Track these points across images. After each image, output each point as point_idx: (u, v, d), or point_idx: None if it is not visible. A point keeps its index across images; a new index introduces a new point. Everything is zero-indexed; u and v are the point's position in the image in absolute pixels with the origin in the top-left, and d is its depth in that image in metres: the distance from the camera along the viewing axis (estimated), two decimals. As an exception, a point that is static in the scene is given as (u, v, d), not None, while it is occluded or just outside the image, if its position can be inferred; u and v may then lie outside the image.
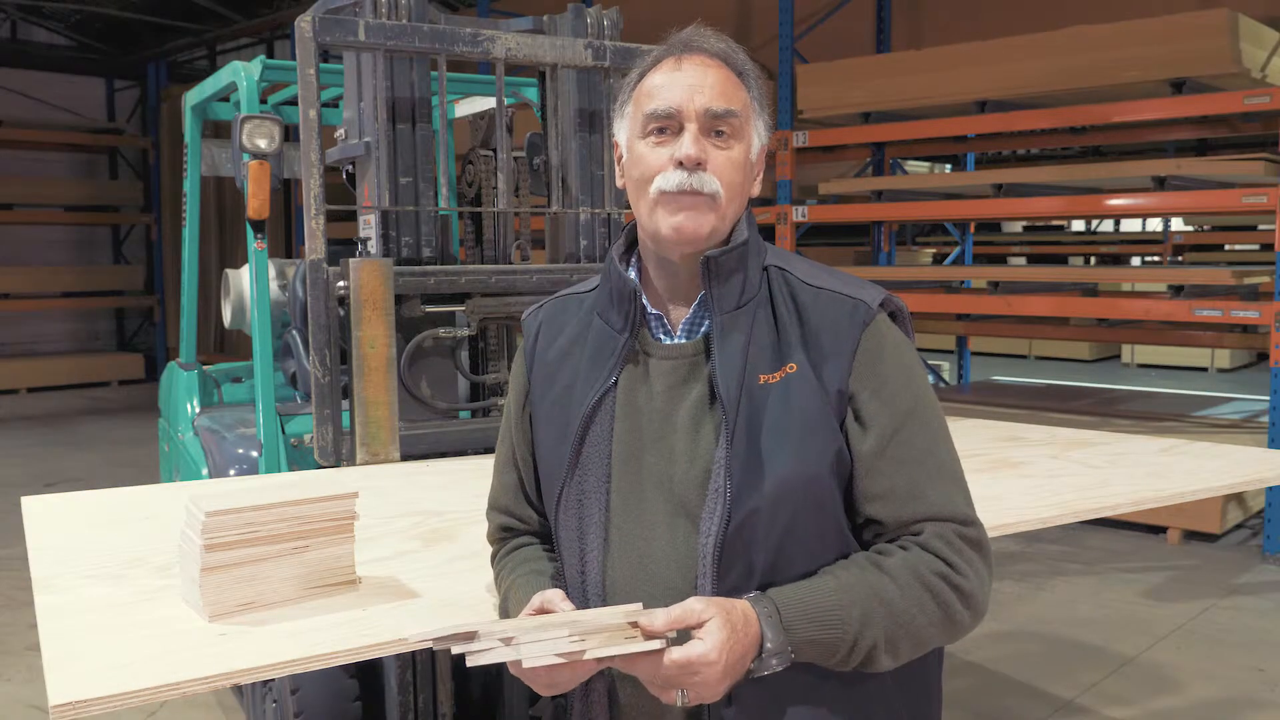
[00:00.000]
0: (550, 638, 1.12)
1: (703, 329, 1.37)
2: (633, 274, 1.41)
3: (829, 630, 1.22)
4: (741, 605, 1.20)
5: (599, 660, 1.16)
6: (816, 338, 1.32)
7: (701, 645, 1.15)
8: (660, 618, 1.16)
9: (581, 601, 1.34)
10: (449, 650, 1.15)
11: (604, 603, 1.32)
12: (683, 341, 1.37)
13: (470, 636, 1.14)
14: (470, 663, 1.13)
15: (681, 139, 1.31)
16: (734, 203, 1.34)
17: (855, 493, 1.31)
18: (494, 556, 1.54)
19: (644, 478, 1.34)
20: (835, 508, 1.30)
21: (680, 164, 1.30)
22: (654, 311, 1.39)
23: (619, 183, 1.42)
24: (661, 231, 1.32)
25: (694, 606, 1.17)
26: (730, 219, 1.34)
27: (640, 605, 1.20)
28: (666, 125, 1.32)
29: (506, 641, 1.13)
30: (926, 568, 1.26)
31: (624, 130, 1.40)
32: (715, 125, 1.31)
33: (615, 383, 1.37)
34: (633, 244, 1.43)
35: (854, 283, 1.37)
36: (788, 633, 1.21)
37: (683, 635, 1.16)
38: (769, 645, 1.20)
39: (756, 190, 1.41)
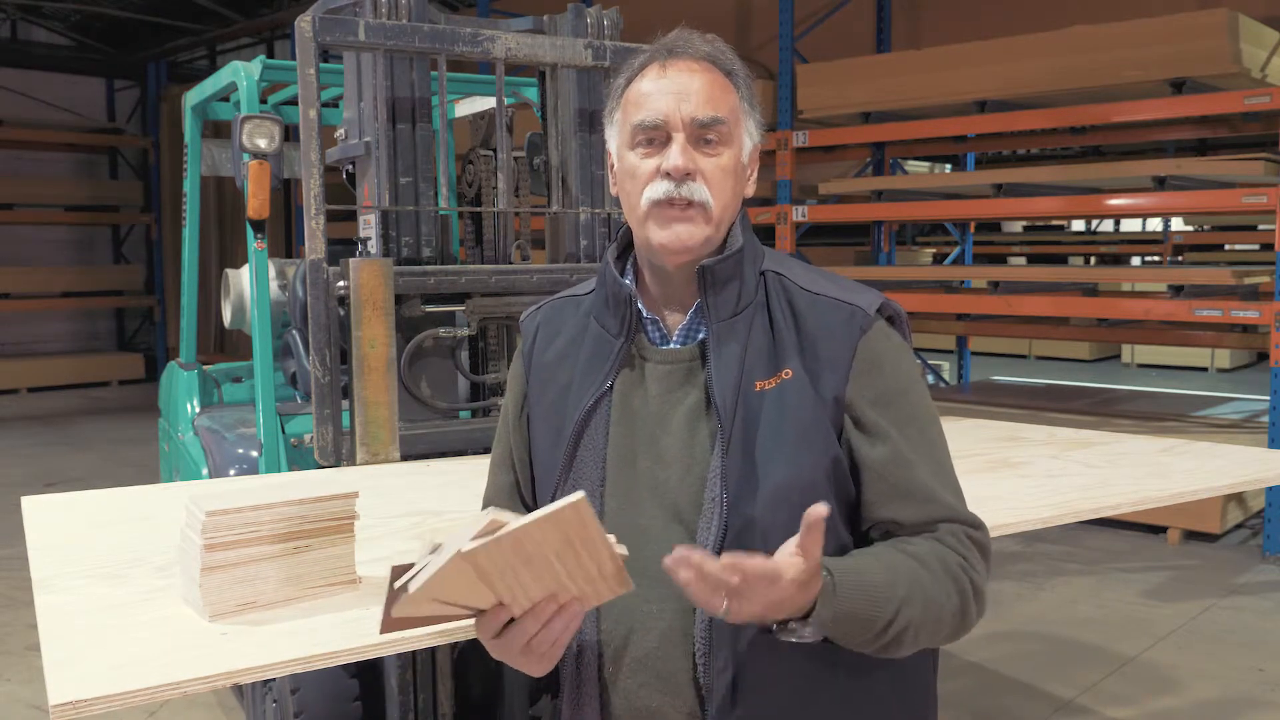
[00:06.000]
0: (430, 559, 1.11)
1: (699, 335, 1.36)
2: (629, 278, 1.40)
3: (875, 607, 1.18)
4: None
5: (572, 607, 1.15)
6: (813, 344, 1.32)
7: (790, 566, 1.10)
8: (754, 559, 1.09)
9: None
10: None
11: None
12: (678, 346, 1.37)
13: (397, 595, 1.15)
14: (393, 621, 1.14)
15: (669, 149, 1.30)
16: (726, 209, 1.33)
17: (867, 497, 1.31)
18: None
19: (638, 482, 1.34)
20: (831, 513, 1.29)
21: (669, 174, 1.29)
22: (650, 316, 1.39)
23: (612, 190, 1.41)
24: (654, 243, 1.32)
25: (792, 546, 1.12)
26: (724, 225, 1.34)
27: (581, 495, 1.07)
28: (654, 136, 1.31)
29: (405, 587, 1.13)
30: (951, 559, 1.27)
31: (613, 138, 1.39)
32: (703, 134, 1.30)
33: (611, 386, 1.37)
34: (628, 246, 1.42)
35: (851, 288, 1.37)
36: (836, 601, 1.16)
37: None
38: (817, 612, 1.15)
39: (751, 190, 1.40)
